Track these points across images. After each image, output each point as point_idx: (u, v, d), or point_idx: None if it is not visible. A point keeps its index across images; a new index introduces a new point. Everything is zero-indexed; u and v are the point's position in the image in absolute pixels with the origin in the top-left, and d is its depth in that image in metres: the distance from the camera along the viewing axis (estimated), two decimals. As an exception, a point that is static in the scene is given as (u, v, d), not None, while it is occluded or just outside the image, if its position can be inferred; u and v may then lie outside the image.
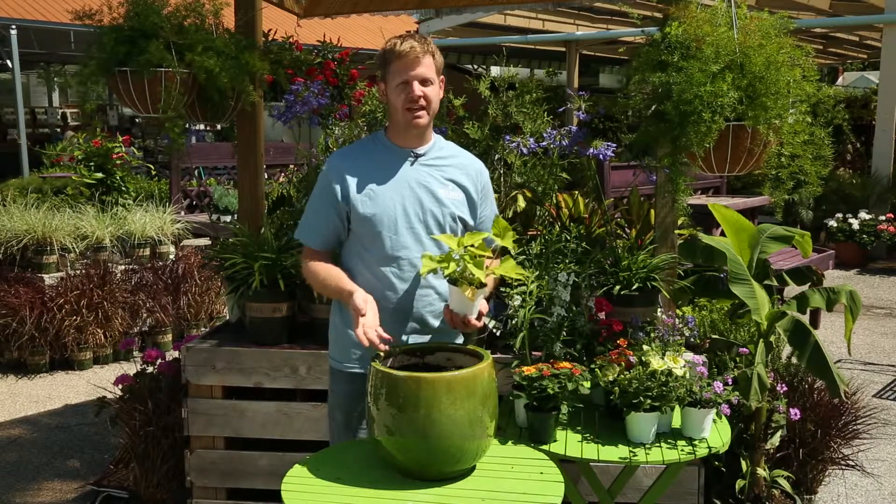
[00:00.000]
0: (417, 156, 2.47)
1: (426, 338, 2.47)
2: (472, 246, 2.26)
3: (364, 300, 2.27)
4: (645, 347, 2.56)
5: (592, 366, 2.58)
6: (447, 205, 2.45)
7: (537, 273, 2.82)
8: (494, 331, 3.04)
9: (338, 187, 2.43)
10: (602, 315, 2.99)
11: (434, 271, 2.28)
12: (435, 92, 2.42)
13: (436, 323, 2.47)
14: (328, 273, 2.44)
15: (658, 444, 2.40)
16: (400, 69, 2.37)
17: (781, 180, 2.86)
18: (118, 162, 7.59)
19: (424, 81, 2.38)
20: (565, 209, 3.55)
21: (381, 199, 2.41)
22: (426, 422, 1.96)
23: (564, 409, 2.58)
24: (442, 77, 2.46)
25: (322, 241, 2.50)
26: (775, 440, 3.19)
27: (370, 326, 2.21)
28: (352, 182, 2.42)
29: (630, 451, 2.35)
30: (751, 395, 2.85)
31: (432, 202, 2.44)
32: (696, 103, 2.62)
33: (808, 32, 12.22)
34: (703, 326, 3.53)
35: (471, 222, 2.54)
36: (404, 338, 2.44)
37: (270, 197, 4.00)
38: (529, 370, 2.45)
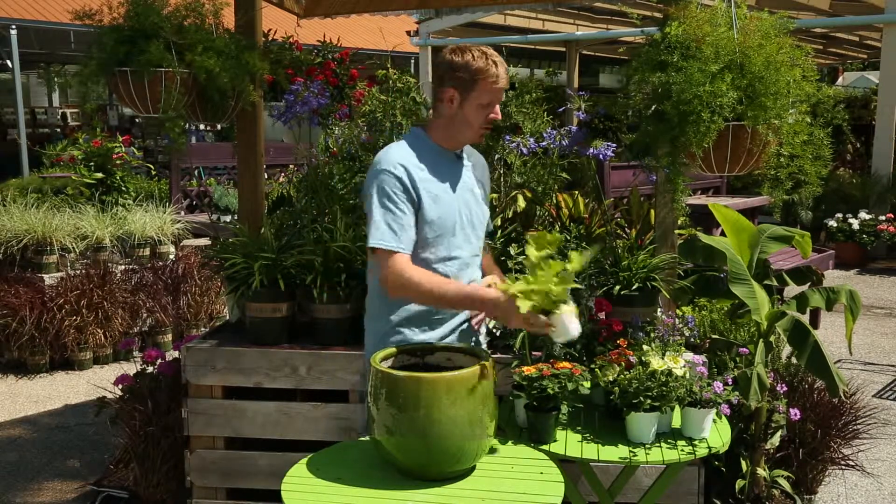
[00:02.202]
0: (459, 159, 2.56)
1: (465, 335, 2.55)
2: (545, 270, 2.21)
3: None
4: (645, 347, 2.56)
5: (592, 366, 2.59)
6: (482, 205, 2.59)
7: (537, 273, 2.81)
8: (494, 331, 3.05)
9: (410, 186, 2.37)
10: (602, 315, 2.99)
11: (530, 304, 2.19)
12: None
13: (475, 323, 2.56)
14: (440, 281, 2.34)
15: (658, 444, 2.40)
16: (488, 92, 2.42)
17: (780, 180, 2.86)
18: (118, 162, 7.59)
19: (498, 103, 2.49)
20: (565, 209, 3.55)
21: (443, 203, 2.43)
22: (426, 422, 1.96)
23: (564, 409, 2.58)
24: None
25: (410, 242, 2.36)
26: (775, 440, 3.19)
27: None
28: (419, 183, 2.39)
29: (630, 451, 2.35)
30: (751, 395, 2.85)
31: (475, 203, 2.55)
32: (696, 103, 2.62)
33: (808, 32, 12.23)
34: (703, 326, 3.53)
35: (488, 214, 2.67)
36: (453, 337, 2.50)
37: (270, 197, 4.00)
38: (529, 370, 2.45)
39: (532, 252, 2.19)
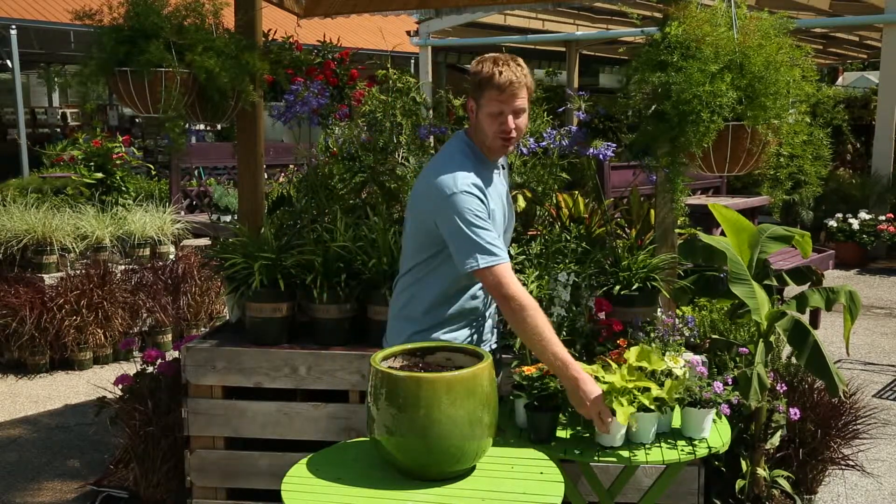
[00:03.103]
0: (500, 169, 2.57)
1: (496, 340, 2.67)
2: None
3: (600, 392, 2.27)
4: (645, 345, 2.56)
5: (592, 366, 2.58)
6: (513, 213, 2.64)
7: (537, 273, 2.82)
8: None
9: (484, 202, 2.38)
10: (602, 315, 2.99)
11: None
12: (525, 120, 2.44)
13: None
14: (552, 334, 2.31)
15: (658, 444, 2.40)
16: (495, 99, 2.36)
17: (780, 180, 2.86)
18: (118, 162, 7.59)
19: (517, 112, 2.39)
20: (565, 209, 3.55)
21: (496, 216, 2.45)
22: (426, 422, 1.96)
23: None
24: (530, 96, 2.47)
25: (506, 255, 2.37)
26: (775, 440, 3.19)
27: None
28: (488, 200, 2.41)
29: (630, 451, 2.35)
30: (751, 394, 2.85)
31: (511, 212, 2.62)
32: (695, 103, 2.62)
33: (808, 32, 12.23)
34: (703, 326, 3.53)
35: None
36: (492, 345, 2.62)
37: (270, 197, 4.00)
38: (529, 370, 2.45)
39: (631, 358, 2.39)
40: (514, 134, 2.40)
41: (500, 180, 2.55)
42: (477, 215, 2.33)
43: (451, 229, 2.34)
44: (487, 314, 2.62)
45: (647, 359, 2.41)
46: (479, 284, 2.48)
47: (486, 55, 2.41)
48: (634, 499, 2.94)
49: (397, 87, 3.64)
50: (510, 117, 2.37)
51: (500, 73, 2.33)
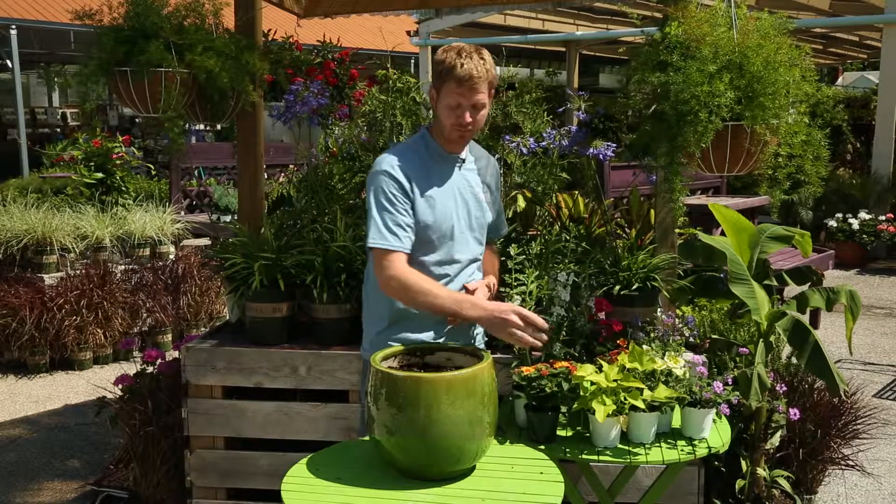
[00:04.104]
0: (462, 161, 2.51)
1: (464, 335, 2.55)
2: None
3: (511, 307, 2.24)
4: (645, 347, 2.56)
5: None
6: (485, 208, 2.54)
7: (537, 273, 2.82)
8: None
9: (407, 187, 2.36)
10: (602, 315, 2.99)
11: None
12: (484, 114, 2.40)
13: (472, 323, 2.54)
14: (431, 284, 2.32)
15: (658, 444, 2.40)
16: (454, 92, 2.31)
17: (779, 180, 2.86)
18: (118, 162, 7.59)
19: (476, 107, 2.35)
20: (565, 209, 3.55)
21: (439, 206, 2.41)
22: (426, 422, 1.96)
23: (564, 408, 2.57)
24: (492, 90, 2.42)
25: (409, 241, 2.35)
26: (775, 440, 3.19)
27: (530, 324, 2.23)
28: (415, 185, 2.38)
29: (630, 451, 2.35)
30: (751, 394, 2.85)
31: (476, 208, 2.51)
32: (693, 103, 2.62)
33: (807, 32, 12.22)
34: (703, 326, 3.53)
35: (492, 217, 2.59)
36: (447, 338, 2.49)
37: (270, 197, 4.00)
38: (529, 370, 2.45)
39: (623, 359, 2.42)
40: (470, 128, 2.37)
41: (462, 174, 2.49)
42: (388, 197, 2.33)
43: (367, 206, 2.38)
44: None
45: (639, 360, 2.41)
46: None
47: (453, 45, 2.37)
48: (634, 499, 2.94)
49: (397, 87, 3.64)
50: (468, 112, 2.33)
51: (462, 65, 2.28)
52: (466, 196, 2.49)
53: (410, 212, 2.36)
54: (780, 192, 2.87)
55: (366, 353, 2.54)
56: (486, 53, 2.35)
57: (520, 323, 2.23)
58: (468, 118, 2.34)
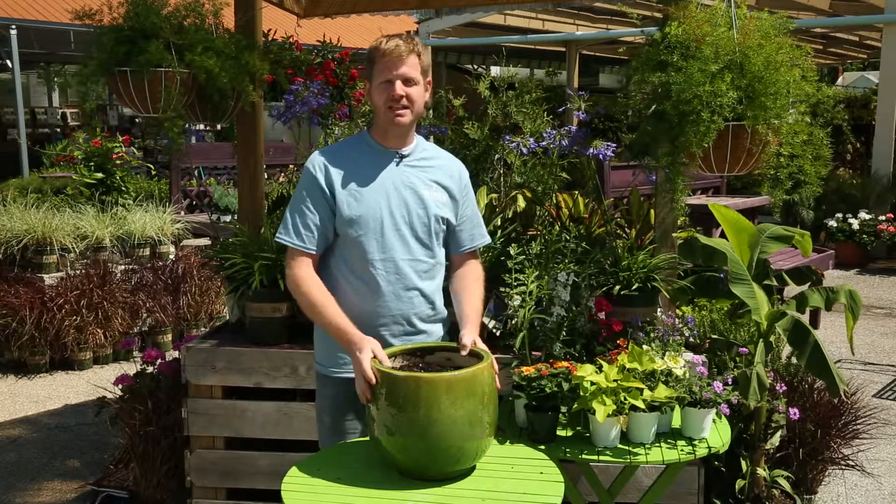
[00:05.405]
0: (402, 156, 2.44)
1: (413, 339, 2.42)
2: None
3: (369, 357, 2.14)
4: (645, 347, 2.56)
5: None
6: (431, 206, 2.42)
7: (537, 273, 2.82)
8: (494, 331, 3.05)
9: (325, 185, 2.37)
10: (602, 315, 2.99)
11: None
12: (419, 92, 2.37)
13: (422, 325, 2.46)
14: (325, 301, 2.31)
15: (658, 444, 2.40)
16: (383, 68, 2.34)
17: (780, 180, 2.86)
18: (118, 162, 7.59)
19: (407, 81, 2.34)
20: (565, 209, 3.55)
21: (366, 201, 2.37)
22: (426, 422, 1.96)
23: (564, 408, 2.58)
24: (429, 79, 2.42)
25: (315, 242, 2.37)
26: (775, 440, 3.19)
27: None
28: (337, 181, 2.37)
29: (630, 451, 2.35)
30: (750, 394, 2.85)
31: (417, 204, 2.41)
32: (695, 103, 2.62)
33: (808, 32, 12.22)
34: (703, 326, 3.53)
35: (453, 222, 2.50)
36: (393, 340, 2.40)
37: (270, 197, 4.00)
38: (529, 370, 2.45)
39: (624, 359, 2.43)
40: (404, 101, 2.33)
41: (401, 170, 2.42)
42: (302, 193, 2.40)
43: None
44: (408, 311, 2.43)
45: (639, 360, 2.41)
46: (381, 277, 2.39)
47: (381, 36, 2.41)
48: (634, 499, 2.94)
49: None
50: (397, 83, 2.32)
51: (387, 41, 2.35)
52: (404, 192, 2.40)
53: (325, 212, 2.37)
54: (781, 191, 2.87)
55: (320, 366, 2.52)
56: (416, 38, 2.40)
57: (363, 386, 2.11)
58: (399, 89, 2.33)
